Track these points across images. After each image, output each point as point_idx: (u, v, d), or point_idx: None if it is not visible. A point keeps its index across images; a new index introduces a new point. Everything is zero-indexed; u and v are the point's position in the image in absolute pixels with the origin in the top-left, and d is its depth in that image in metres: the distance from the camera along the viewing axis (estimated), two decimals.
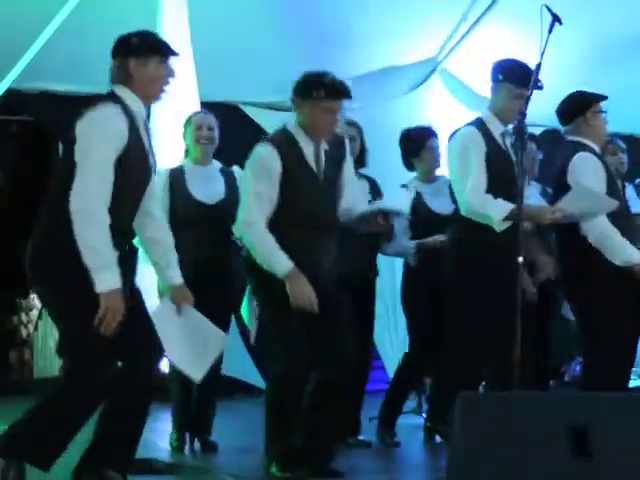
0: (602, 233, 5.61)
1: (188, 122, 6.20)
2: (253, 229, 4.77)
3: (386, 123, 7.58)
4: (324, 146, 4.95)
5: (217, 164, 6.20)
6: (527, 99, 4.92)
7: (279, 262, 4.70)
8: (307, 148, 4.88)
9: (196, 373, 4.86)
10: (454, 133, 5.46)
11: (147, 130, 4.25)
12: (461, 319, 5.75)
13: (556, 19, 4.63)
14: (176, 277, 4.54)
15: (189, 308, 4.72)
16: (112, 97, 4.03)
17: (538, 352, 6.55)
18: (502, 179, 5.13)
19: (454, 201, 5.52)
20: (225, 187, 6.04)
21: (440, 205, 6.36)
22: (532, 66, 5.09)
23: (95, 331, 3.79)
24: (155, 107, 7.27)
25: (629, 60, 9.47)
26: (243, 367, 8.36)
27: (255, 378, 8.30)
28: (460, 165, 5.30)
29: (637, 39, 9.31)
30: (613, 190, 5.63)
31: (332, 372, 4.96)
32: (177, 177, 5.98)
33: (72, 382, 4.07)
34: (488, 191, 5.20)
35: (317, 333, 4.89)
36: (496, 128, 5.34)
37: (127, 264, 4.23)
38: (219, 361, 5.84)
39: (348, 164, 5.18)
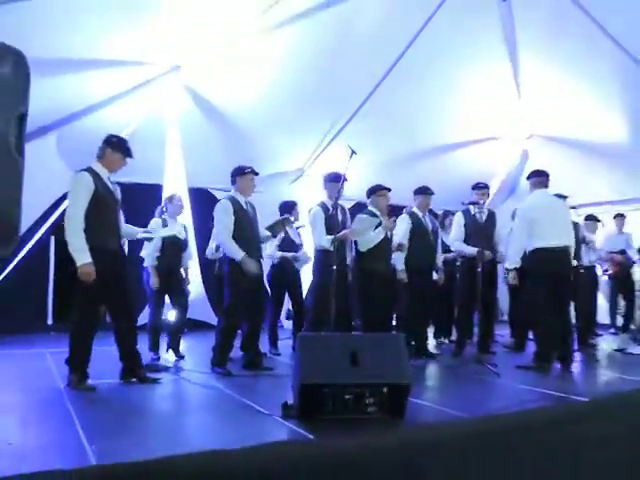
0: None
1: (172, 196, 6.32)
2: (228, 242, 5.20)
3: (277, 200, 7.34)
4: (249, 201, 5.51)
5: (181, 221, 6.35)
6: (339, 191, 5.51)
7: (239, 252, 5.15)
8: (242, 201, 5.38)
9: None
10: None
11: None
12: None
13: (353, 152, 5.12)
14: None
15: None
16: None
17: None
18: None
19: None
20: (184, 231, 6.25)
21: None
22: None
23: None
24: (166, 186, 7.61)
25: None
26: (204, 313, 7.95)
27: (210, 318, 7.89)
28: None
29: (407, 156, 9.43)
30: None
31: (255, 321, 5.55)
32: (165, 224, 5.99)
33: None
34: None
35: (251, 301, 5.37)
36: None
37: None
38: (185, 312, 6.26)
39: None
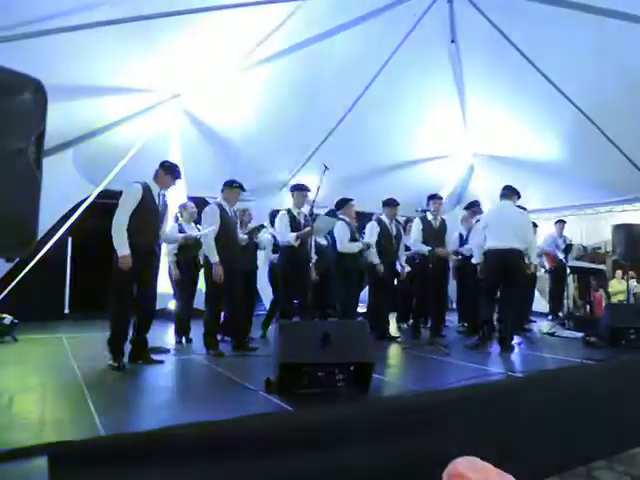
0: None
1: (186, 204, 6.35)
2: (210, 244, 5.19)
3: (265, 208, 7.61)
4: (233, 209, 5.53)
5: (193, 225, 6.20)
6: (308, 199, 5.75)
7: (215, 257, 5.14)
8: (227, 208, 5.42)
9: None
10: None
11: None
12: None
13: (327, 168, 5.16)
14: None
15: None
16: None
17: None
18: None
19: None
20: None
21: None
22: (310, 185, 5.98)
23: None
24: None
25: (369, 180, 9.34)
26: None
27: None
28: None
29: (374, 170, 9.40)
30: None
31: (236, 306, 5.48)
32: (181, 228, 6.04)
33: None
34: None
35: (231, 291, 5.34)
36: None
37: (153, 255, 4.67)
38: (192, 303, 6.23)
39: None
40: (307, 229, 5.75)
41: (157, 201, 4.71)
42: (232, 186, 5.47)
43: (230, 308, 5.55)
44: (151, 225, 4.66)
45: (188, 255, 6.06)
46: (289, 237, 5.84)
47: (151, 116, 7.26)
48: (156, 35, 5.71)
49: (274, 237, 6.58)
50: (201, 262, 5.97)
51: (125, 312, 4.53)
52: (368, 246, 6.42)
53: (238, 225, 5.79)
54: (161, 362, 4.75)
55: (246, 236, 6.01)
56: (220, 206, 5.40)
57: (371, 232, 6.61)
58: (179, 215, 6.29)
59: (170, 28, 5.61)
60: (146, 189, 4.60)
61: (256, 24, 6.27)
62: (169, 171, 4.79)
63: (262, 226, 6.24)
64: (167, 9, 5.11)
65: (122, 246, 4.39)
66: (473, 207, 7.59)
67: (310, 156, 9.02)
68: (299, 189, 6.06)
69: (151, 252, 4.68)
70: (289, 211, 6.07)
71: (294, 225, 5.95)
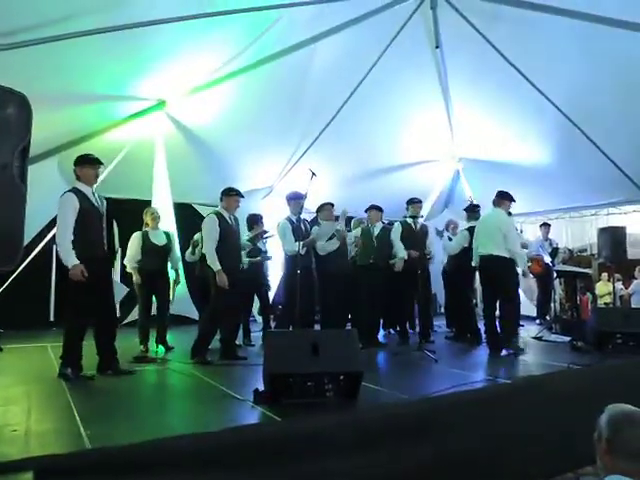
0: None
1: (147, 210, 6.20)
2: (211, 253, 5.13)
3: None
4: (233, 216, 5.45)
5: (161, 229, 6.19)
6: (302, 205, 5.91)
7: (218, 265, 5.07)
8: (226, 216, 5.35)
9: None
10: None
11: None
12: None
13: (314, 174, 5.27)
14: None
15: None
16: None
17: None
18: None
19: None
20: (165, 238, 6.09)
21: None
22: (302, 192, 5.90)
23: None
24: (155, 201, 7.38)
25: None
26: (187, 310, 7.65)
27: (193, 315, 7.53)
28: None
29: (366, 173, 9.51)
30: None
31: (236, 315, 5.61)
32: (144, 234, 5.99)
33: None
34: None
35: (232, 300, 5.26)
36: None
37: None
38: (168, 308, 6.10)
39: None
40: (312, 237, 5.81)
41: (95, 203, 4.47)
42: (230, 194, 5.45)
43: (229, 316, 5.44)
44: (96, 232, 4.45)
45: (152, 263, 5.97)
46: (296, 246, 5.76)
47: (136, 122, 7.25)
48: (140, 42, 5.68)
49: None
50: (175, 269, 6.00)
51: (81, 331, 4.34)
52: (357, 244, 6.41)
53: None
54: (131, 373, 4.57)
55: (249, 242, 5.93)
56: (219, 215, 5.35)
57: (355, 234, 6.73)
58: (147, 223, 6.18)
59: (154, 35, 5.58)
60: (78, 194, 4.34)
61: (241, 30, 6.28)
62: (85, 162, 4.46)
63: (265, 232, 6.21)
64: (151, 17, 5.10)
65: (69, 257, 4.18)
66: (470, 210, 7.45)
67: (297, 161, 9.06)
68: (295, 198, 6.08)
69: (104, 260, 4.54)
70: (289, 219, 6.11)
71: (296, 233, 5.95)
